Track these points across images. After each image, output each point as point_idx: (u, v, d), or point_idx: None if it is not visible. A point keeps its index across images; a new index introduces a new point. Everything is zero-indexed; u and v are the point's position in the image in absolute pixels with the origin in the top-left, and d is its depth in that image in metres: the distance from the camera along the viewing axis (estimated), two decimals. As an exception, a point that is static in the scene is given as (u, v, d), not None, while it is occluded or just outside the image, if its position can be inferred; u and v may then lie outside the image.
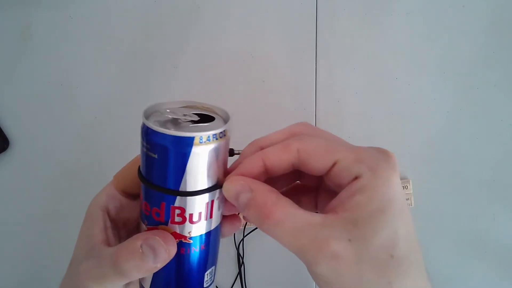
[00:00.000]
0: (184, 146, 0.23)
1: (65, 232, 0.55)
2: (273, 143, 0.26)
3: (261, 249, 0.59)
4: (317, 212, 0.24)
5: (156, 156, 0.24)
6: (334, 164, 0.24)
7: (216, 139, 0.24)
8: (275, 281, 0.60)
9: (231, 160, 0.28)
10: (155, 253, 0.25)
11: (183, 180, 0.24)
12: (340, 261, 0.21)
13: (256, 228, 0.57)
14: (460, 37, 0.56)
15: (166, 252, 0.25)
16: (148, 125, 0.24)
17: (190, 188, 0.25)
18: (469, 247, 0.61)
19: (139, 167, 0.26)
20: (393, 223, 0.22)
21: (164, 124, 0.25)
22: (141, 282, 0.28)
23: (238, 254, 0.58)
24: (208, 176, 0.25)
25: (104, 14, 0.52)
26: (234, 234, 0.57)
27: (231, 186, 0.25)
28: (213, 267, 0.29)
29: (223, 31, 0.54)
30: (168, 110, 0.26)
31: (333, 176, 0.24)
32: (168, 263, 0.26)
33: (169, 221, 0.25)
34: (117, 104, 0.54)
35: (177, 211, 0.25)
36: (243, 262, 0.58)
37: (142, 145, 0.25)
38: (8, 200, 0.55)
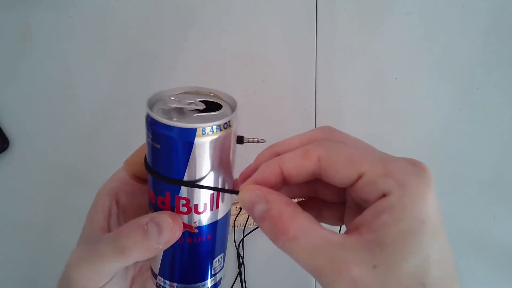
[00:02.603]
0: (186, 138, 0.23)
1: (65, 232, 0.55)
2: (291, 149, 0.24)
3: (261, 249, 0.59)
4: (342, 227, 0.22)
5: (159, 146, 0.24)
6: (359, 177, 0.22)
7: (220, 130, 0.24)
8: (275, 281, 0.60)
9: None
10: (160, 231, 0.24)
11: (187, 171, 0.24)
12: None
13: (256, 228, 0.57)
14: (460, 37, 0.56)
15: (171, 232, 0.24)
16: (151, 116, 0.23)
17: (194, 179, 0.24)
18: (469, 247, 0.61)
19: (145, 155, 0.26)
20: (425, 248, 0.20)
21: (168, 113, 0.24)
22: (152, 268, 0.29)
23: (238, 254, 0.58)
24: (213, 167, 0.24)
25: (104, 14, 0.52)
26: (234, 234, 0.58)
27: (246, 195, 0.23)
28: (221, 255, 0.29)
29: (223, 31, 0.54)
30: (172, 98, 0.25)
31: (358, 189, 0.22)
32: (176, 252, 0.25)
33: (175, 210, 0.25)
34: (117, 104, 0.54)
35: (182, 201, 0.25)
36: (243, 262, 0.58)
37: (147, 135, 0.24)
38: (8, 200, 0.55)
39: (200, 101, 0.26)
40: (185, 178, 0.24)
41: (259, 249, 0.59)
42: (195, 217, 0.25)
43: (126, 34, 0.53)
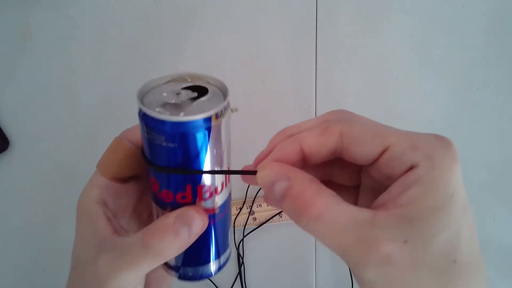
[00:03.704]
0: (203, 127, 0.23)
1: (65, 232, 0.55)
2: (305, 130, 0.23)
3: (261, 249, 0.59)
4: None
5: (175, 144, 0.23)
6: (383, 151, 0.21)
7: (226, 110, 0.24)
8: (275, 281, 0.60)
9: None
10: (190, 226, 0.24)
11: (206, 159, 0.24)
12: (393, 266, 0.18)
13: (256, 228, 0.57)
14: (460, 37, 0.56)
15: (201, 224, 0.24)
16: (157, 117, 0.23)
17: (214, 164, 0.25)
18: (469, 247, 0.61)
19: (144, 156, 0.25)
20: (456, 223, 0.19)
21: (165, 108, 0.24)
22: (168, 264, 0.29)
23: (238, 254, 0.58)
24: (228, 147, 0.25)
25: (104, 14, 0.52)
26: (234, 234, 0.57)
27: (265, 173, 0.22)
28: (231, 223, 0.31)
29: (223, 31, 0.54)
30: (165, 94, 0.25)
31: (382, 165, 0.21)
32: (202, 237, 0.26)
33: (197, 200, 0.25)
34: (117, 104, 0.54)
35: (204, 189, 0.25)
36: (243, 262, 0.58)
37: (157, 138, 0.24)
38: (8, 200, 0.55)
39: (184, 88, 0.26)
40: (205, 166, 0.24)
41: (259, 249, 0.59)
42: (216, 198, 0.26)
43: (126, 34, 0.53)
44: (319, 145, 0.22)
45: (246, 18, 0.54)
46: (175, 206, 0.26)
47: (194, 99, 0.25)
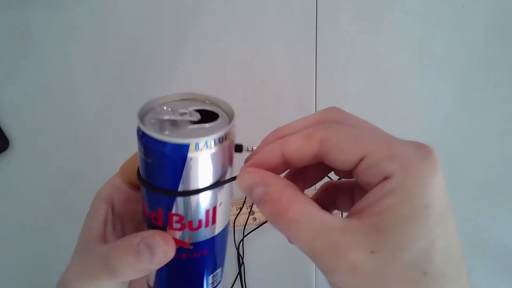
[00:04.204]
0: (178, 154, 0.22)
1: (65, 232, 0.55)
2: (296, 131, 0.23)
3: (261, 249, 0.59)
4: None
5: (150, 160, 0.22)
6: (361, 160, 0.21)
7: (215, 144, 0.22)
8: (275, 281, 0.60)
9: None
10: (152, 253, 0.23)
11: (180, 185, 0.23)
12: (361, 275, 0.18)
13: (256, 228, 0.57)
14: (460, 37, 0.56)
15: (163, 253, 0.24)
16: (142, 129, 0.22)
17: (186, 196, 0.23)
18: (469, 247, 0.61)
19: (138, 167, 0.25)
20: (429, 234, 0.19)
21: (161, 124, 0.23)
22: (147, 282, 0.28)
23: (238, 254, 0.58)
24: (209, 180, 0.23)
25: (104, 14, 0.52)
26: (234, 234, 0.58)
27: (244, 178, 0.23)
28: (219, 269, 0.28)
29: (223, 31, 0.54)
30: (165, 108, 0.24)
31: (360, 172, 0.21)
32: (171, 267, 0.25)
33: (168, 227, 0.24)
34: (117, 104, 0.54)
35: (175, 218, 0.24)
36: (243, 262, 0.58)
37: (138, 148, 0.23)
38: (7, 200, 0.55)
39: (195, 110, 0.24)
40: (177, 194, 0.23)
41: (259, 249, 0.59)
42: (189, 233, 0.24)
43: (126, 34, 0.53)
44: (300, 151, 0.22)
45: (246, 18, 0.54)
46: (150, 224, 0.25)
47: (196, 122, 0.23)
